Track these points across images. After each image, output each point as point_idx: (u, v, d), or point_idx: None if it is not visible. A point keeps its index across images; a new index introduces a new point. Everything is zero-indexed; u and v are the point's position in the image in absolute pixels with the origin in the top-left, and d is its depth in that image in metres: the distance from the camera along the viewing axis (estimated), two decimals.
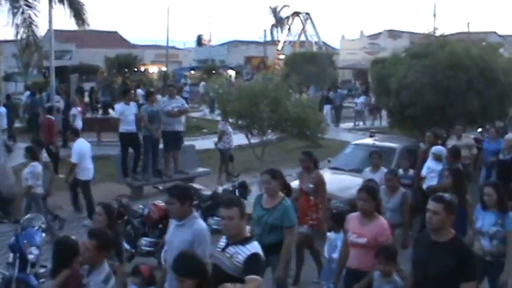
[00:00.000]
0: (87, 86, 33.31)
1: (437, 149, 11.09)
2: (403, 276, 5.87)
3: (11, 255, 7.79)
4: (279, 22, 65.58)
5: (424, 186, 10.62)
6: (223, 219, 5.11)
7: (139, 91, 26.84)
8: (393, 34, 57.47)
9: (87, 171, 11.91)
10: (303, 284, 8.48)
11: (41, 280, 7.57)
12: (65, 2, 17.92)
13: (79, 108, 18.32)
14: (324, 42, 59.14)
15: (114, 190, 13.42)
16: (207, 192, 11.10)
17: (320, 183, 8.58)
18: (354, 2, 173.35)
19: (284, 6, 66.24)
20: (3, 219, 9.87)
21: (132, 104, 14.28)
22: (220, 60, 61.53)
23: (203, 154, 17.69)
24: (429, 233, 5.09)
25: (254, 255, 5.00)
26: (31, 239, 7.75)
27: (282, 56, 54.04)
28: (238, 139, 18.02)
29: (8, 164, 13.25)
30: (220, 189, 11.34)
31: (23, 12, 16.08)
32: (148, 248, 9.11)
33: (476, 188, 8.80)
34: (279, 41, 60.70)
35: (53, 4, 18.05)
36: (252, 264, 4.94)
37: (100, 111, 27.70)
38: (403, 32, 57.35)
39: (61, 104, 20.43)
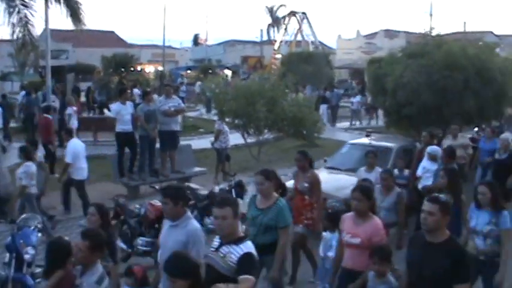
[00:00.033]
0: (83, 85, 33.30)
1: (433, 148, 11.10)
2: (397, 275, 5.87)
3: (7, 255, 7.77)
4: (276, 22, 65.51)
5: (420, 186, 10.62)
6: (217, 219, 5.08)
7: (136, 91, 26.84)
8: (389, 34, 57.59)
9: (82, 170, 11.89)
10: (299, 284, 8.48)
11: (37, 280, 7.55)
12: (62, 2, 17.90)
13: (75, 108, 18.27)
14: (320, 42, 59.14)
15: (111, 190, 13.40)
16: (204, 191, 11.09)
17: (315, 182, 8.56)
18: (350, 2, 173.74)
19: (280, 5, 66.19)
20: None
21: (129, 104, 14.27)
22: (216, 59, 61.58)
23: (200, 154, 17.68)
24: (424, 233, 5.09)
25: (247, 255, 4.97)
26: (27, 239, 7.74)
27: (278, 56, 54.06)
28: (235, 138, 18.03)
29: (3, 164, 13.22)
30: (216, 188, 11.32)
31: (19, 12, 16.06)
32: (144, 248, 9.11)
33: (471, 188, 8.82)
34: (275, 41, 60.68)
35: (49, 3, 18.01)
36: (246, 264, 4.91)
37: (97, 111, 27.67)
38: (399, 31, 57.41)
39: (57, 104, 20.38)
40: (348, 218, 6.30)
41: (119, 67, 29.97)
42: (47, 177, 11.83)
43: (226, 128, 16.49)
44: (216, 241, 5.21)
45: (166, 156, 14.22)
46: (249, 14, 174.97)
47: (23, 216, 8.53)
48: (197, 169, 15.38)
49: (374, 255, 5.81)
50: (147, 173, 13.93)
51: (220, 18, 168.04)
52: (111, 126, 14.78)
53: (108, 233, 6.16)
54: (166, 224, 5.85)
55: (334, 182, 11.13)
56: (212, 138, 16.53)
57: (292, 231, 7.95)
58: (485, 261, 6.61)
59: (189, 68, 57.87)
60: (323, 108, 28.32)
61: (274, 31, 65.86)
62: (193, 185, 11.73)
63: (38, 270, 7.65)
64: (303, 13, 58.61)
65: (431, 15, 52.32)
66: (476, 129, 16.82)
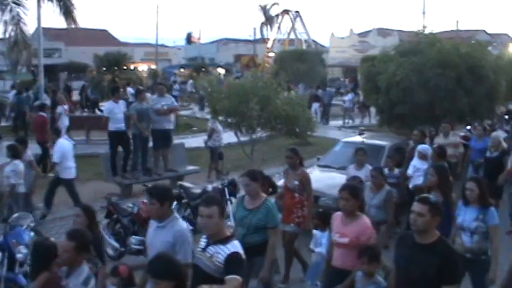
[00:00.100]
0: (76, 84, 33.20)
1: (423, 147, 11.11)
2: (386, 272, 5.87)
3: None
4: (269, 20, 65.37)
5: (410, 185, 10.64)
6: (202, 218, 5.02)
7: (129, 89, 26.77)
8: (383, 32, 57.68)
9: (70, 170, 11.82)
10: (291, 282, 8.49)
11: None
12: (54, 0, 17.85)
13: (65, 107, 18.20)
14: (313, 40, 59.19)
15: (104, 189, 13.37)
16: (197, 190, 11.10)
17: (305, 180, 8.53)
18: (343, 0, 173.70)
19: (274, 4, 66.03)
20: None
21: (121, 102, 14.24)
22: (209, 58, 61.49)
23: (193, 152, 17.66)
24: (413, 233, 5.05)
25: (234, 255, 4.92)
26: (19, 238, 7.70)
27: (271, 54, 54.05)
28: (228, 137, 18.03)
29: None
30: (209, 187, 11.33)
31: (11, 10, 16.04)
32: (137, 247, 9.08)
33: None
34: (268, 39, 60.63)
35: (42, 2, 17.95)
36: (233, 263, 4.87)
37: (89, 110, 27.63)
38: (392, 30, 57.52)
39: (48, 102, 20.32)
40: (336, 217, 6.29)
41: (111, 66, 29.95)
42: (37, 176, 11.75)
43: (219, 126, 16.49)
44: (203, 241, 5.17)
45: (159, 155, 14.20)
46: (242, 13, 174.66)
47: (15, 215, 8.49)
48: (190, 168, 15.36)
49: (363, 255, 5.80)
50: (140, 171, 13.91)
51: (214, 16, 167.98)
52: (104, 125, 14.74)
53: (95, 234, 6.15)
54: (153, 225, 5.78)
55: (327, 180, 11.14)
56: (205, 137, 16.53)
57: (282, 231, 7.96)
58: (472, 260, 6.59)
59: (182, 67, 57.74)
60: (315, 106, 28.34)
61: (267, 29, 65.73)
62: (186, 184, 11.74)
63: None
64: (296, 11, 58.65)
65: (424, 13, 52.58)
66: (468, 127, 16.88)
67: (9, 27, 16.02)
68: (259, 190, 6.76)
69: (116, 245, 9.43)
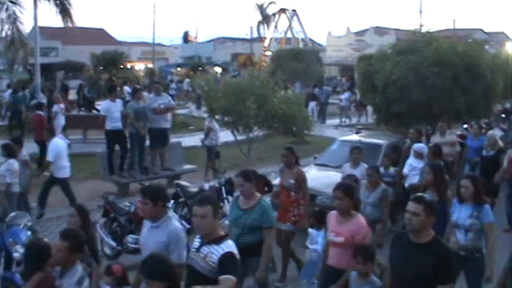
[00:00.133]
0: (73, 83, 33.15)
1: (419, 146, 11.11)
2: (381, 269, 5.87)
3: None
4: (266, 19, 65.45)
5: (406, 184, 10.64)
6: (196, 217, 4.97)
7: (126, 88, 26.74)
8: (379, 31, 57.70)
9: (64, 169, 11.79)
10: (288, 280, 8.50)
11: None
12: None
13: (61, 105, 18.18)
14: (310, 39, 59.34)
15: (101, 188, 13.38)
16: (194, 189, 11.10)
17: (301, 179, 8.52)
18: None
19: (270, 3, 66.13)
20: None
21: (118, 101, 14.22)
22: (206, 57, 61.46)
23: (190, 151, 17.66)
24: (408, 233, 5.04)
25: (228, 255, 4.88)
26: (16, 237, 7.70)
27: (268, 53, 54.08)
28: (225, 136, 18.03)
29: None
30: (206, 186, 11.33)
31: (7, 9, 16.01)
32: (134, 245, 9.06)
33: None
34: (265, 38, 60.74)
35: (38, 1, 17.92)
36: (227, 263, 4.83)
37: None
38: (389, 28, 57.54)
39: (44, 101, 20.29)
40: (332, 216, 6.30)
41: (108, 65, 29.89)
42: (33, 175, 11.72)
43: (216, 125, 16.48)
44: (196, 241, 5.14)
45: (156, 154, 14.19)
46: (239, 11, 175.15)
47: (12, 214, 8.48)
48: (187, 166, 15.36)
49: (358, 255, 5.80)
50: (137, 170, 13.90)
51: (210, 15, 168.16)
52: (101, 124, 14.72)
53: (88, 234, 6.14)
54: (146, 225, 5.76)
55: (324, 178, 11.14)
56: (202, 136, 16.52)
57: (278, 229, 7.96)
58: (466, 257, 6.59)
59: (179, 66, 57.73)
60: (312, 105, 28.34)
61: (264, 28, 65.87)
62: (183, 183, 11.73)
63: None
64: (293, 10, 58.85)
65: (421, 12, 52.55)
66: (465, 126, 16.89)
67: (6, 26, 16.01)
68: (254, 190, 6.73)
69: (113, 243, 9.43)
